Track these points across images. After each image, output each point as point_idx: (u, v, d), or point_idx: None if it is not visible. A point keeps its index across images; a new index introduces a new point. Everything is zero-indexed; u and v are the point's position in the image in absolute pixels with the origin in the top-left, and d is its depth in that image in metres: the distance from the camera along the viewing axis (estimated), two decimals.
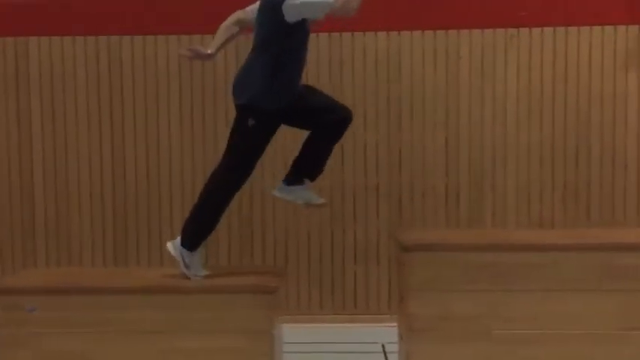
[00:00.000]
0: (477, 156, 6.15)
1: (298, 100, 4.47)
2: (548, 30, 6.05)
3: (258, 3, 4.53)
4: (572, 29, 6.04)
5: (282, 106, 4.39)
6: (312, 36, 6.03)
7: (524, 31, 6.06)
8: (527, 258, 4.22)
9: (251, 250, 6.25)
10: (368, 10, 6.09)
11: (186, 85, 6.24)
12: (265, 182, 6.14)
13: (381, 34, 6.15)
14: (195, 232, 4.48)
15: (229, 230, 6.24)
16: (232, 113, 6.08)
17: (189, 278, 4.33)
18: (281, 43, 4.36)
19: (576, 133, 6.10)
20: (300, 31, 4.40)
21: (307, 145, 4.58)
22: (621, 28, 6.03)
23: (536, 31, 6.06)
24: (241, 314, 4.08)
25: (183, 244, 4.43)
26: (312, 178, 4.61)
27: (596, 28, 6.02)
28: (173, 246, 4.46)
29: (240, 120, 4.44)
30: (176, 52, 6.18)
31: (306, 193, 4.60)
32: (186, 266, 4.40)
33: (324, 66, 6.20)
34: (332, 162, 6.13)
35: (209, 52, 4.50)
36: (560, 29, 6.04)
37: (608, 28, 6.02)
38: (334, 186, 6.21)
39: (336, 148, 6.08)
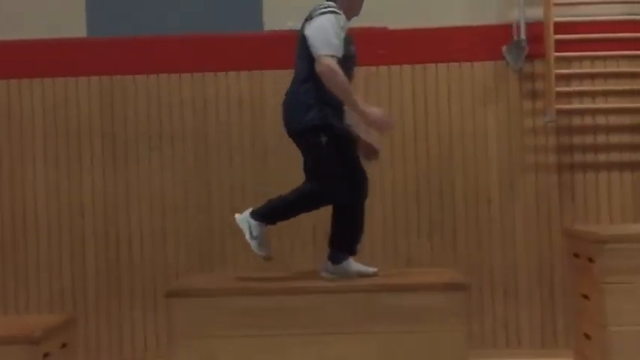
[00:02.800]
0: None
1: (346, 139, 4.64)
2: (406, 67, 6.13)
3: None
4: (431, 66, 6.12)
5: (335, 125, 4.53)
6: (175, 76, 6.21)
7: (383, 68, 6.13)
8: (291, 302, 4.22)
9: (120, 294, 6.19)
10: (229, 50, 6.21)
11: (51, 129, 6.22)
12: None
13: (244, 74, 6.19)
14: (269, 215, 4.64)
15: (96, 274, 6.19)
16: (97, 155, 6.20)
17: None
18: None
19: (439, 169, 6.14)
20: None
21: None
22: (478, 64, 6.12)
23: (394, 68, 6.13)
24: None
25: (255, 215, 4.60)
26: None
27: (454, 65, 6.10)
28: (241, 217, 4.64)
29: (309, 144, 4.57)
30: (40, 94, 6.19)
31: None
32: (253, 237, 4.55)
33: (188, 106, 6.22)
34: (200, 203, 6.18)
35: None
36: (419, 66, 6.12)
37: (465, 65, 6.11)
38: (202, 227, 6.19)
39: (202, 188, 6.20)
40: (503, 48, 6.06)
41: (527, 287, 6.08)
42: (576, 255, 5.07)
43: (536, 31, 5.99)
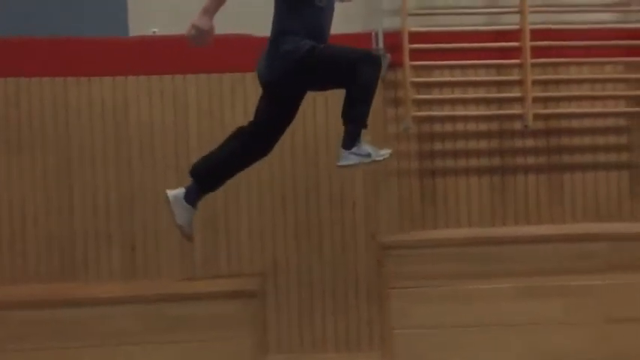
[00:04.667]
0: (210, 198, 6.12)
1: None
2: None
3: None
4: None
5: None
6: (35, 80, 6.05)
7: (250, 75, 6.14)
8: (80, 313, 4.22)
9: None
10: (92, 55, 6.11)
11: None
12: None
13: (107, 79, 6.10)
14: (360, 117, 4.63)
15: None
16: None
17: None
18: (281, 13, 4.58)
19: (305, 172, 6.21)
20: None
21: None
22: None
23: None
24: None
25: (351, 141, 4.62)
26: None
27: None
28: (345, 160, 4.61)
29: (313, 62, 4.61)
30: None
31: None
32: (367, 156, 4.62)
33: (49, 111, 6.09)
34: (62, 209, 6.05)
35: None
36: None
37: None
38: (63, 233, 6.07)
39: (63, 192, 6.09)
40: None
41: None
42: (378, 261, 5.20)
43: (396, 40, 6.13)
